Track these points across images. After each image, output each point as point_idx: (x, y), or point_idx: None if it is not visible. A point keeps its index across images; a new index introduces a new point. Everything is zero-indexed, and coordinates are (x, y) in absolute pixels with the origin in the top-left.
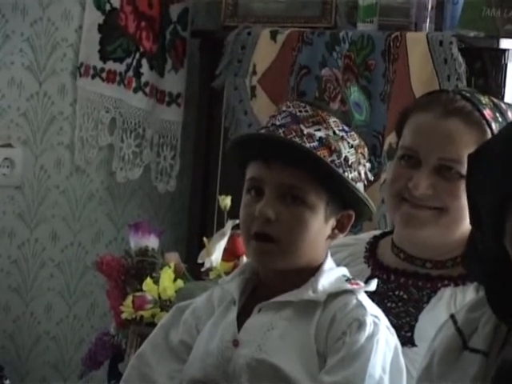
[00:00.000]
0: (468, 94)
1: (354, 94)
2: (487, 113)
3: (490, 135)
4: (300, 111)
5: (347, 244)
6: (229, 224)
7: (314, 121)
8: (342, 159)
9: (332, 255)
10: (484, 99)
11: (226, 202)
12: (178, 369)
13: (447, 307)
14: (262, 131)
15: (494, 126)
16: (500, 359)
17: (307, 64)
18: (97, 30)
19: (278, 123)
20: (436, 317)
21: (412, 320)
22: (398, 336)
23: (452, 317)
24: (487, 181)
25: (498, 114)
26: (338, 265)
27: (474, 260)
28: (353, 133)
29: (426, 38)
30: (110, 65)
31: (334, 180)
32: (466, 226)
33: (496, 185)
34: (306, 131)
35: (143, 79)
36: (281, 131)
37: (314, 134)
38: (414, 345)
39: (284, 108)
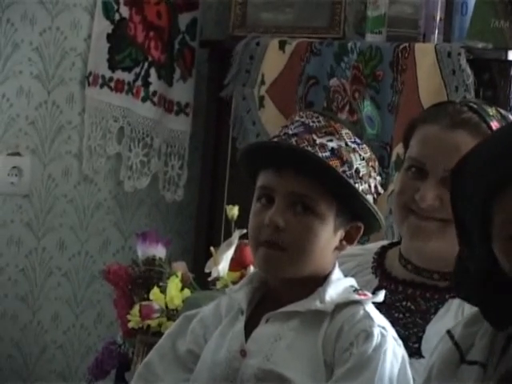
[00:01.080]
0: (475, 106)
1: (367, 107)
2: (494, 124)
3: None
4: (313, 121)
5: (355, 254)
6: (236, 234)
7: (326, 131)
8: (353, 171)
9: (340, 265)
10: (491, 111)
11: (234, 211)
12: (185, 378)
13: (455, 318)
14: (275, 140)
15: None
16: (503, 369)
17: (315, 74)
18: (105, 39)
19: (290, 132)
20: (443, 328)
21: (419, 331)
22: (406, 347)
23: (448, 332)
24: (470, 185)
25: None
26: (346, 275)
27: (463, 277)
28: (364, 146)
29: (434, 49)
30: (119, 74)
31: (345, 191)
32: None
33: (479, 186)
34: (318, 141)
35: (151, 88)
36: (293, 140)
37: (327, 145)
38: (421, 356)
39: (297, 118)
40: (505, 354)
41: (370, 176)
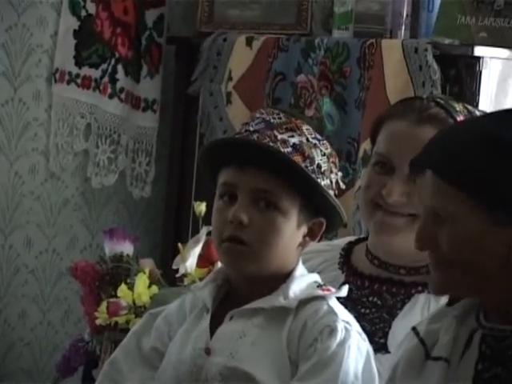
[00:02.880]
0: (442, 101)
1: (327, 104)
2: (461, 120)
3: None
4: (274, 118)
5: (322, 250)
6: (203, 230)
7: (287, 127)
8: (314, 166)
9: (306, 261)
10: (458, 106)
11: (201, 208)
12: (150, 376)
13: (421, 314)
14: (236, 136)
15: None
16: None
17: (283, 70)
18: (72, 35)
19: (251, 129)
20: (410, 323)
21: (386, 326)
22: (372, 342)
23: (414, 329)
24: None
25: None
26: (313, 271)
27: None
28: (325, 141)
29: (401, 46)
30: (86, 71)
31: (308, 186)
32: None
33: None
34: (279, 137)
35: (119, 85)
36: (255, 136)
37: (288, 140)
38: (387, 351)
39: (257, 115)
40: (467, 349)
41: (331, 172)
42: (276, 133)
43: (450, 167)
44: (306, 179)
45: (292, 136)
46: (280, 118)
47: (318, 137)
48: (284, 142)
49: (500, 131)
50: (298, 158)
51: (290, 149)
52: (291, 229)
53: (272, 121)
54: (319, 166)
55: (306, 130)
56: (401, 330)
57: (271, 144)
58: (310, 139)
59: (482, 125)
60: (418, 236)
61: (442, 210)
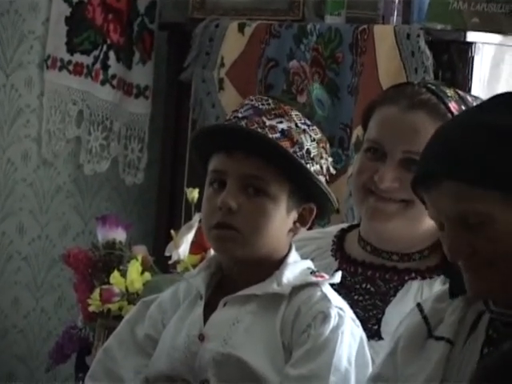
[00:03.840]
0: (433, 87)
1: (317, 90)
2: (452, 105)
3: None
4: (262, 104)
5: (314, 237)
6: (196, 217)
7: (276, 113)
8: (304, 151)
9: (299, 249)
10: (450, 92)
11: (194, 194)
12: (144, 363)
13: (414, 300)
14: (225, 123)
15: None
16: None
17: (275, 56)
18: (64, 22)
19: (240, 115)
20: (403, 310)
21: (379, 313)
22: (365, 329)
23: (418, 305)
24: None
25: (463, 107)
26: (306, 258)
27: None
28: (315, 127)
29: (393, 31)
30: (78, 57)
31: (296, 171)
32: None
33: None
34: (268, 123)
35: (110, 72)
36: (243, 123)
37: (276, 126)
38: (380, 338)
39: (246, 102)
40: (474, 331)
41: (321, 157)
42: (264, 119)
43: (469, 168)
44: (295, 165)
45: (281, 122)
46: (269, 104)
47: (308, 122)
48: (272, 127)
49: (506, 120)
50: (286, 144)
51: (278, 134)
52: (280, 214)
53: (260, 107)
54: (308, 152)
55: (295, 115)
56: (394, 317)
57: (259, 130)
58: (299, 125)
59: (486, 118)
60: (451, 248)
61: (472, 215)
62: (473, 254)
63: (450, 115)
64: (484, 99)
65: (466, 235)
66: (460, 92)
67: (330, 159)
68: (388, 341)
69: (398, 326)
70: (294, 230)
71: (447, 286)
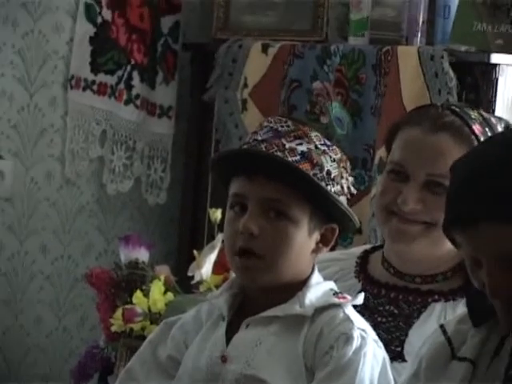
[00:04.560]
0: (457, 109)
1: (336, 109)
2: (476, 128)
3: None
4: (282, 126)
5: (338, 259)
6: (219, 237)
7: (295, 135)
8: (324, 173)
9: (322, 270)
10: (473, 114)
11: (217, 215)
12: None
13: (437, 322)
14: (244, 147)
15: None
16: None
17: (298, 77)
18: (88, 42)
19: (259, 138)
20: (426, 332)
21: (402, 335)
22: (388, 351)
23: (441, 326)
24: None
25: (487, 129)
26: (329, 279)
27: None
28: (335, 147)
29: (417, 52)
30: (101, 77)
31: (317, 193)
32: None
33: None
34: (287, 145)
35: (134, 91)
36: (262, 146)
37: (296, 148)
38: (403, 360)
39: (265, 123)
40: (498, 355)
41: (341, 177)
42: (284, 141)
43: (510, 209)
44: (315, 187)
45: (300, 144)
46: (288, 126)
47: (328, 143)
48: (292, 150)
49: None
50: (306, 166)
51: (298, 157)
52: (302, 237)
53: (280, 129)
54: (329, 173)
55: (315, 136)
56: (417, 339)
57: (279, 153)
58: (319, 146)
59: None
60: (494, 288)
61: None
62: None
63: (473, 137)
64: (508, 121)
65: (508, 275)
66: (484, 114)
67: (351, 178)
68: (410, 362)
69: (420, 346)
70: (316, 251)
71: None
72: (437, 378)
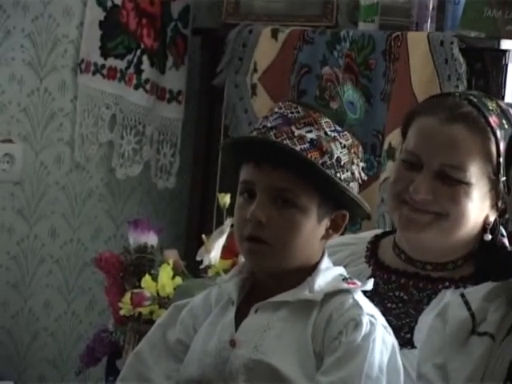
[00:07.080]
0: (475, 99)
1: (348, 92)
2: (493, 120)
3: (494, 143)
4: (292, 112)
5: (348, 243)
6: (228, 222)
7: (305, 122)
8: (333, 160)
9: (333, 254)
10: (491, 105)
11: (226, 199)
12: (175, 368)
13: None
14: (254, 133)
15: (498, 133)
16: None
17: (308, 63)
18: (98, 26)
19: (269, 125)
20: None
21: (412, 321)
22: (398, 337)
23: (463, 296)
24: None
25: (504, 121)
26: (339, 264)
27: None
28: (345, 133)
29: (426, 38)
30: (111, 61)
31: (325, 182)
32: (466, 230)
33: None
34: (297, 133)
35: (144, 76)
36: (272, 133)
37: (305, 136)
38: (413, 346)
39: (276, 109)
40: (510, 333)
41: (352, 163)
42: (294, 128)
43: None
44: (323, 176)
45: (310, 131)
46: (298, 113)
47: (338, 129)
48: (301, 138)
49: None
50: (315, 154)
51: (307, 145)
52: (311, 224)
53: (290, 115)
54: (338, 160)
55: (325, 123)
56: (427, 326)
57: (288, 141)
58: (329, 132)
59: None
60: None
61: None
62: None
63: (489, 129)
64: None
65: None
66: (502, 105)
67: (363, 164)
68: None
69: (440, 310)
70: (326, 237)
71: (495, 284)
72: (457, 352)
